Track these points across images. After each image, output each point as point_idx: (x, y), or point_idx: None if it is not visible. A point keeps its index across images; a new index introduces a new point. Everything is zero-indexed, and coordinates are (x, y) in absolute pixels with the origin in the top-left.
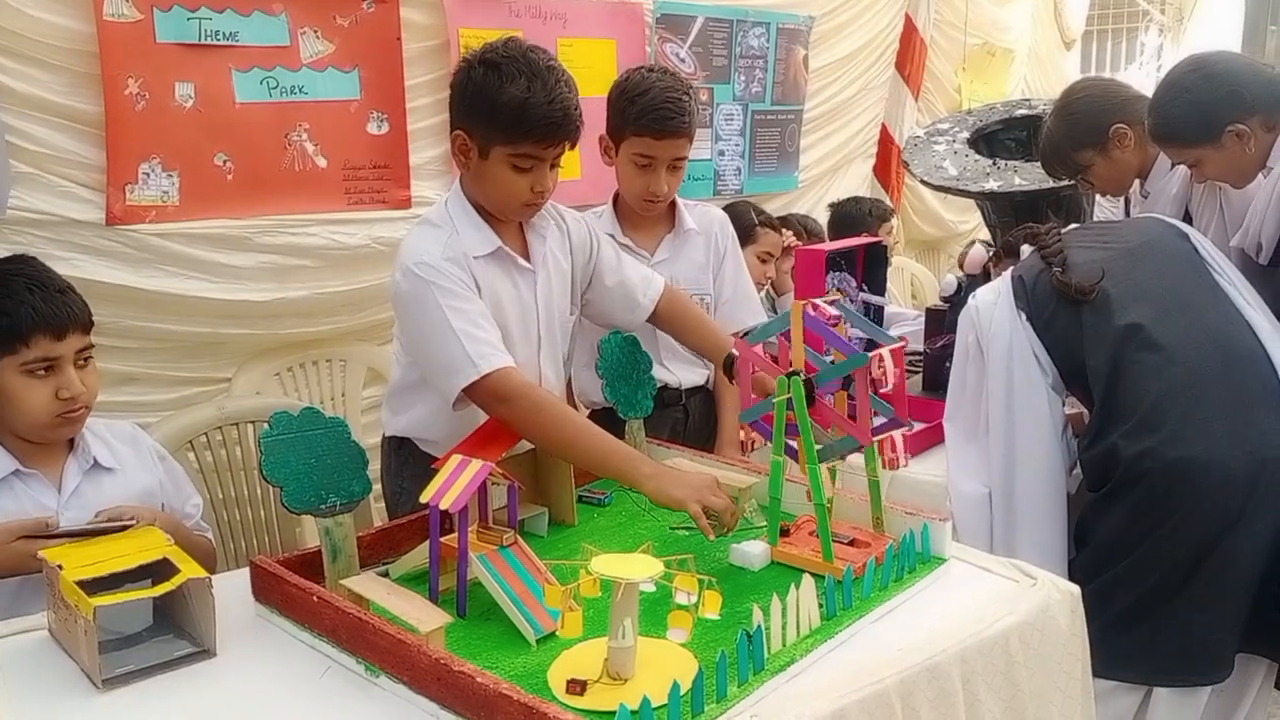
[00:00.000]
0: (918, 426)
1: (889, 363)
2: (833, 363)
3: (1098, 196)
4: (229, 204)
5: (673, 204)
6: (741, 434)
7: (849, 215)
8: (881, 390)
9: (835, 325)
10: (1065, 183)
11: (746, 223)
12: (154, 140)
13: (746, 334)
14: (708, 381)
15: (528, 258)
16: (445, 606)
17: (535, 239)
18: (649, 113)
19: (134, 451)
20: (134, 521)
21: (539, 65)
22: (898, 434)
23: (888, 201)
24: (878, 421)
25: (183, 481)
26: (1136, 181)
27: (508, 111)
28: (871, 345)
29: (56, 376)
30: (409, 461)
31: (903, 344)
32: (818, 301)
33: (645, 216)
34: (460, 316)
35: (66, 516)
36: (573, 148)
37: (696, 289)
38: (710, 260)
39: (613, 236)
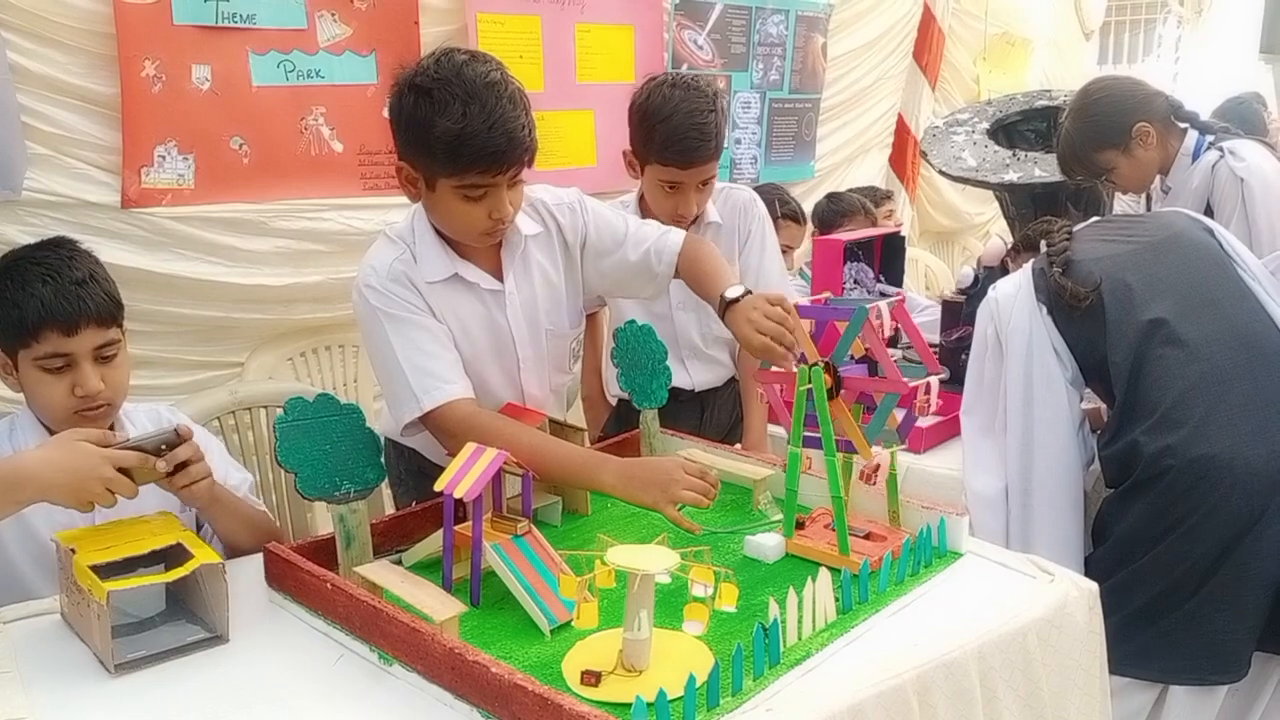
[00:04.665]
0: (933, 420)
1: (885, 315)
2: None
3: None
4: (245, 188)
5: None
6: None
7: (824, 215)
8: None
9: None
10: None
11: (770, 213)
12: (170, 123)
13: None
14: (728, 382)
15: (500, 275)
16: (459, 595)
17: (509, 256)
18: (674, 144)
19: None
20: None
21: (475, 85)
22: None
23: (870, 204)
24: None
25: (224, 461)
26: (1157, 177)
27: (444, 144)
28: None
29: (73, 372)
30: (405, 455)
31: (900, 298)
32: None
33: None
34: (406, 344)
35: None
36: (530, 166)
37: None
38: (733, 251)
39: None
